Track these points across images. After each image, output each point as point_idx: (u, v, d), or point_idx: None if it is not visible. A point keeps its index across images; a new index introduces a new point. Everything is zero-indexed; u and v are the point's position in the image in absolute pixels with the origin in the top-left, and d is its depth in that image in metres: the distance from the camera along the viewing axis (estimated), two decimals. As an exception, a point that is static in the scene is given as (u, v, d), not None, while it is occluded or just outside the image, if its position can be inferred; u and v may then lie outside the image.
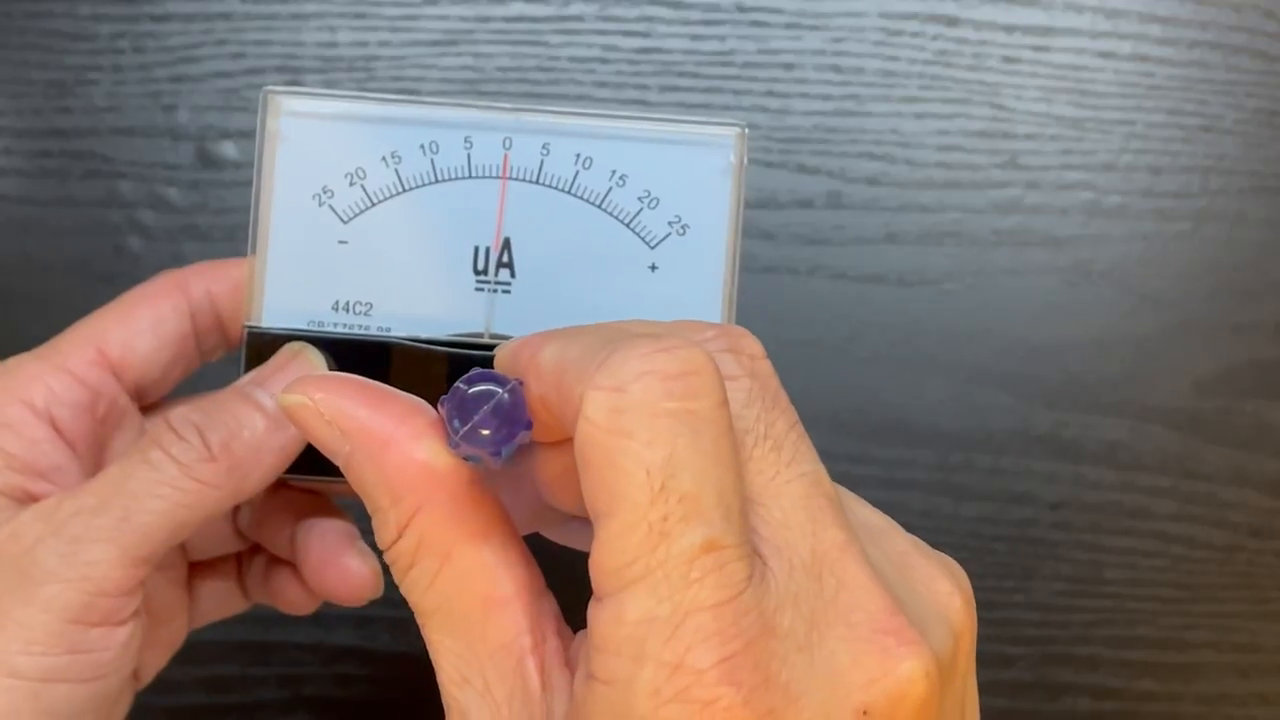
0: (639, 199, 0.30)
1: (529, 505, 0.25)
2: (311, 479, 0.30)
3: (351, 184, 0.30)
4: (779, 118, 0.45)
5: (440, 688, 0.23)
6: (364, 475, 0.23)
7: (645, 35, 0.45)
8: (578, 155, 0.30)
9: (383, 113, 0.30)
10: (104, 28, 0.44)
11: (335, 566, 0.31)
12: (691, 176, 0.30)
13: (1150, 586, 0.46)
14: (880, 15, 0.45)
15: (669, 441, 0.19)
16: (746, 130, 0.30)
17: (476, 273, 0.30)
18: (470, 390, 0.22)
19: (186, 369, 0.32)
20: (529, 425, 0.22)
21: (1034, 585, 0.46)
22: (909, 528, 0.24)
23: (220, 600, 0.34)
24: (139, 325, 0.30)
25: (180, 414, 0.27)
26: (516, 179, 0.30)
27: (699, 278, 0.30)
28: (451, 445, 0.22)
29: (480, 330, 0.30)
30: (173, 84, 0.44)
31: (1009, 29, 0.45)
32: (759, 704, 0.19)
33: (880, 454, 0.45)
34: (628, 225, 0.30)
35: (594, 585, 0.20)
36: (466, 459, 0.23)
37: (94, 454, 0.30)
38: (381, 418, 0.23)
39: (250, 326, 0.30)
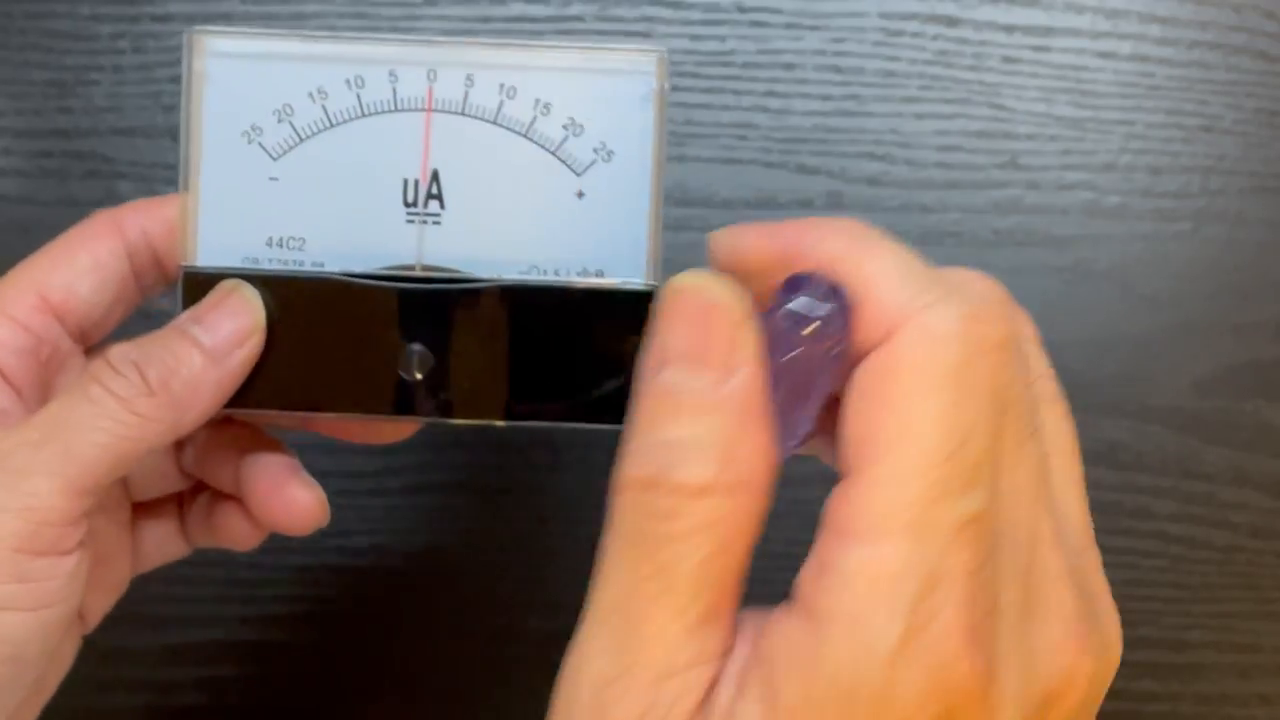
0: (564, 127, 0.30)
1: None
2: (254, 411, 0.31)
3: (280, 121, 0.30)
4: (779, 118, 0.45)
5: None
6: (718, 414, 0.21)
7: (645, 36, 0.45)
8: (501, 85, 0.30)
9: (308, 50, 0.30)
10: (104, 28, 0.44)
11: (281, 497, 0.31)
12: (614, 104, 0.30)
13: (1150, 587, 0.46)
14: (880, 15, 0.45)
15: (975, 409, 0.20)
16: (667, 54, 0.31)
17: (406, 205, 0.31)
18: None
19: (128, 308, 0.32)
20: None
21: (1034, 585, 0.46)
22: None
23: (162, 543, 0.34)
24: (79, 268, 0.30)
25: (119, 351, 0.28)
26: (442, 111, 0.30)
27: (625, 203, 0.30)
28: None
29: (412, 261, 0.31)
30: (173, 84, 0.44)
31: (1009, 29, 0.45)
32: (986, 674, 0.20)
33: (880, 454, 0.45)
34: (554, 153, 0.30)
35: (845, 517, 0.20)
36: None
37: (39, 397, 0.30)
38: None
39: (186, 266, 0.30)
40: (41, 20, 0.45)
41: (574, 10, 0.45)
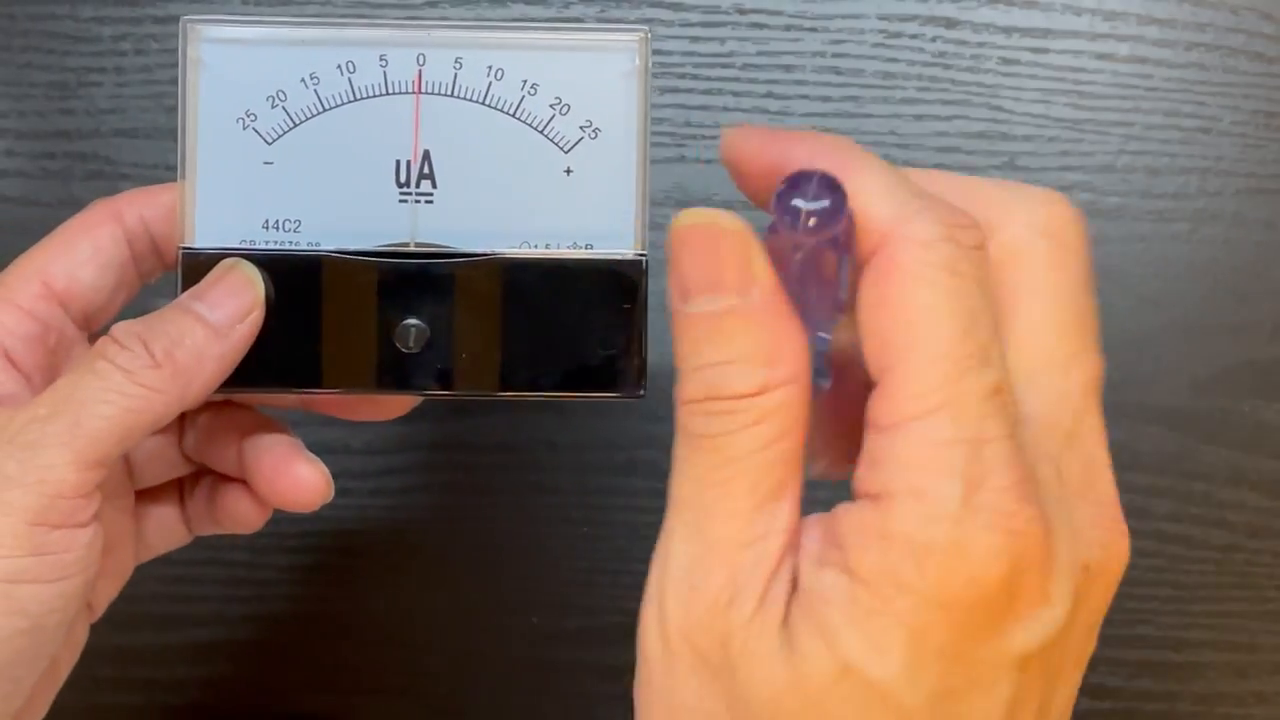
0: (551, 106, 0.31)
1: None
2: (254, 392, 0.31)
3: (273, 106, 0.31)
4: (779, 119, 0.45)
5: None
6: (750, 325, 0.23)
7: (645, 37, 0.45)
8: (490, 67, 0.31)
9: (300, 36, 0.31)
10: (106, 29, 0.45)
11: (287, 475, 0.32)
12: (599, 82, 0.31)
13: (1148, 586, 0.46)
14: (879, 17, 0.45)
15: (971, 296, 0.22)
16: (649, 34, 0.31)
17: (399, 185, 0.31)
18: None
19: (129, 294, 0.33)
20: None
21: (1032, 585, 0.46)
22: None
23: (165, 530, 0.35)
24: (80, 256, 0.31)
25: (123, 327, 0.29)
26: (431, 93, 0.31)
27: (612, 178, 0.31)
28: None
29: (406, 239, 0.31)
30: (174, 85, 0.44)
31: (1007, 31, 0.46)
32: (1042, 524, 0.21)
33: (879, 454, 0.45)
34: (541, 131, 0.31)
35: (884, 413, 0.22)
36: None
37: (46, 382, 0.31)
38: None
39: (184, 248, 0.31)
40: (44, 22, 0.45)
41: (574, 12, 0.45)
